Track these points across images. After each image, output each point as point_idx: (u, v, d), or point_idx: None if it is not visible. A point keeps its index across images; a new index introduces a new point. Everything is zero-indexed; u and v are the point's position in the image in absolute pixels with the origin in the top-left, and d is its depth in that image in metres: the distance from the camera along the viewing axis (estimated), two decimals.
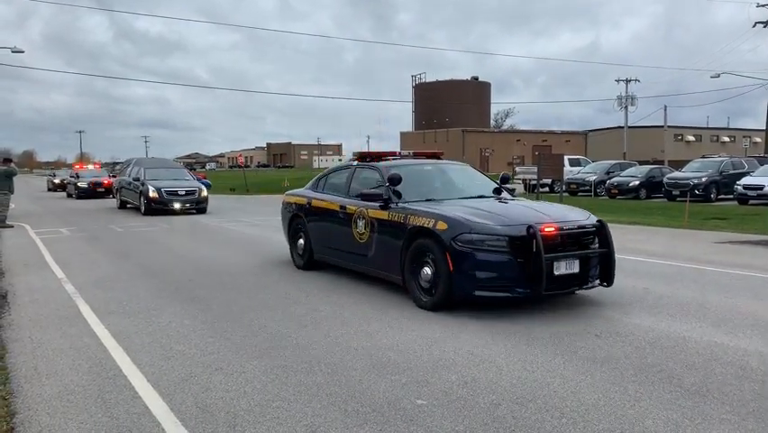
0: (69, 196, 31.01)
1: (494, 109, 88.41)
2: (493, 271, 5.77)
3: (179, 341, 5.22)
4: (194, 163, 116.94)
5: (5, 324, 5.83)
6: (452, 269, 5.81)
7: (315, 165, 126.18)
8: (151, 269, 8.97)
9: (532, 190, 28.35)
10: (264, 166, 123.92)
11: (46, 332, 5.54)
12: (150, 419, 3.62)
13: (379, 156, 8.16)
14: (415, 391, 4.02)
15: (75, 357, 4.80)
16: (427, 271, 6.15)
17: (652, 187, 25.97)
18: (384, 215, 6.82)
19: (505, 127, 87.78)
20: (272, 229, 13.43)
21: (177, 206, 18.66)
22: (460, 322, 5.69)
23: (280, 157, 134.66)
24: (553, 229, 5.89)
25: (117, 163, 70.09)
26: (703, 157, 31.31)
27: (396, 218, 6.63)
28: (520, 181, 31.60)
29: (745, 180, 21.85)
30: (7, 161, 16.13)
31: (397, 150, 8.55)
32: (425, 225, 6.15)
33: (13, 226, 15.11)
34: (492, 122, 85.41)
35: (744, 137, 58.15)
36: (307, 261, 8.54)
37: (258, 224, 15.88)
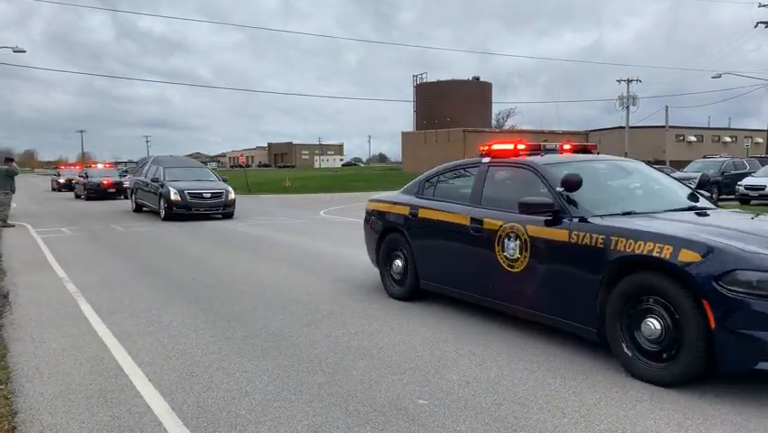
0: (78, 197, 29.03)
1: (495, 109, 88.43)
2: None
3: (180, 340, 5.22)
4: None
5: (7, 323, 5.84)
6: (713, 325, 3.81)
7: (317, 165, 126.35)
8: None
9: None
10: (265, 166, 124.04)
11: (47, 331, 5.54)
12: (152, 419, 3.62)
13: (515, 151, 5.90)
14: (416, 390, 4.02)
15: (76, 356, 4.81)
16: (654, 325, 4.11)
17: None
18: (559, 234, 4.78)
19: (506, 127, 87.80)
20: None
21: (202, 210, 16.69)
22: (461, 321, 5.69)
23: (281, 157, 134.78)
24: None
25: (118, 163, 69.89)
26: (704, 157, 31.29)
27: (583, 240, 4.58)
28: None
29: (747, 181, 21.84)
30: (9, 160, 16.15)
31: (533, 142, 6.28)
32: (653, 254, 4.10)
33: (14, 226, 15.13)
34: (493, 122, 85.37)
35: (745, 137, 58.17)
36: (410, 290, 6.51)
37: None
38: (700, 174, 6.47)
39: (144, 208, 19.11)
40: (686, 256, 3.94)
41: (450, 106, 70.33)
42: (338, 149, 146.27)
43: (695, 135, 72.61)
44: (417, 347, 4.95)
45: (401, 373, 4.36)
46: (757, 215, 5.32)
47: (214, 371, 4.44)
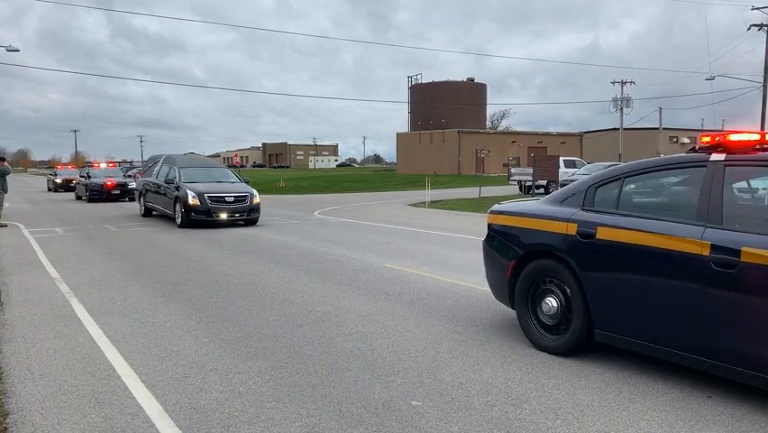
0: (79, 198, 27.61)
1: (490, 110, 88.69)
2: None
3: (174, 341, 5.21)
4: None
5: None
6: None
7: (311, 165, 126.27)
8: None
9: (527, 192, 28.45)
10: (260, 166, 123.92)
11: (40, 332, 5.51)
12: (144, 420, 3.61)
13: (763, 142, 4.05)
14: (410, 392, 4.02)
15: (69, 357, 4.78)
16: None
17: None
18: None
19: (500, 128, 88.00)
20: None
21: (223, 216, 14.63)
22: (455, 322, 5.69)
23: (276, 157, 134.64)
24: None
25: (122, 162, 69.22)
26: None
27: None
28: (515, 183, 31.72)
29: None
30: (1, 159, 16.08)
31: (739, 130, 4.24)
32: None
33: (6, 225, 15.06)
34: (488, 123, 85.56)
35: None
36: (576, 340, 4.65)
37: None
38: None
39: (154, 213, 17.44)
40: None
41: (445, 108, 70.40)
42: (333, 149, 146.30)
43: (688, 137, 72.93)
44: (411, 349, 4.95)
45: (395, 374, 4.36)
46: None
47: (207, 372, 4.43)
